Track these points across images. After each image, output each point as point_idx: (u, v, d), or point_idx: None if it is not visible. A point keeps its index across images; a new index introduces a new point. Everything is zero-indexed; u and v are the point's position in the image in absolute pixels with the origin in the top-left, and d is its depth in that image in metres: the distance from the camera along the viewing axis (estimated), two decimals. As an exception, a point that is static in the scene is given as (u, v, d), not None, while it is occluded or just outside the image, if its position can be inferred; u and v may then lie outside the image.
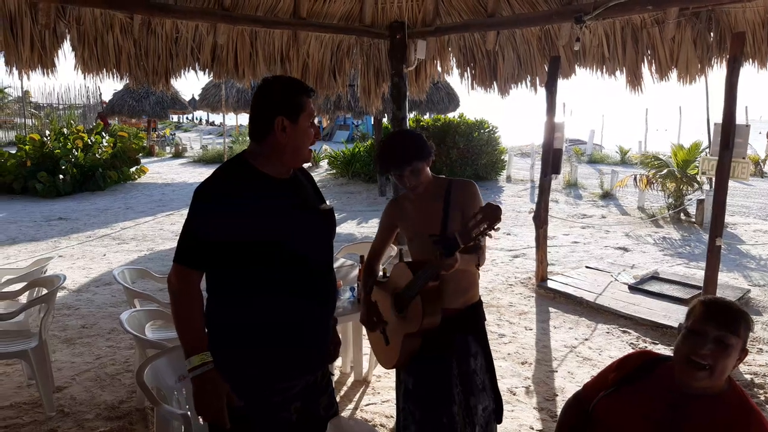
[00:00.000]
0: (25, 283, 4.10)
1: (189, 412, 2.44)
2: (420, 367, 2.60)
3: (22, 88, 20.73)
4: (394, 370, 2.82)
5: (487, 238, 2.25)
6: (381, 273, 2.87)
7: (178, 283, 1.94)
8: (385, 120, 13.74)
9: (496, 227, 2.10)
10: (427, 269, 2.33)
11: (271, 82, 2.01)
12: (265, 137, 1.96)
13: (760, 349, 4.78)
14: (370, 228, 10.03)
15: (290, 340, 2.01)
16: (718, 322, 1.69)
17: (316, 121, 2.10)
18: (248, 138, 2.06)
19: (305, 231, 2.01)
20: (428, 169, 2.56)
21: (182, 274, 1.93)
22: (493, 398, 2.63)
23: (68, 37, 5.23)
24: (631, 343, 4.94)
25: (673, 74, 5.41)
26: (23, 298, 4.17)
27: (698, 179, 10.36)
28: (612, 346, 4.87)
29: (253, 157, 1.99)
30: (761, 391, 4.06)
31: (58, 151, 13.49)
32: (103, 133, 15.35)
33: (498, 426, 2.70)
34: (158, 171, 17.79)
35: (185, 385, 2.59)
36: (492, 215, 2.09)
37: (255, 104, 1.99)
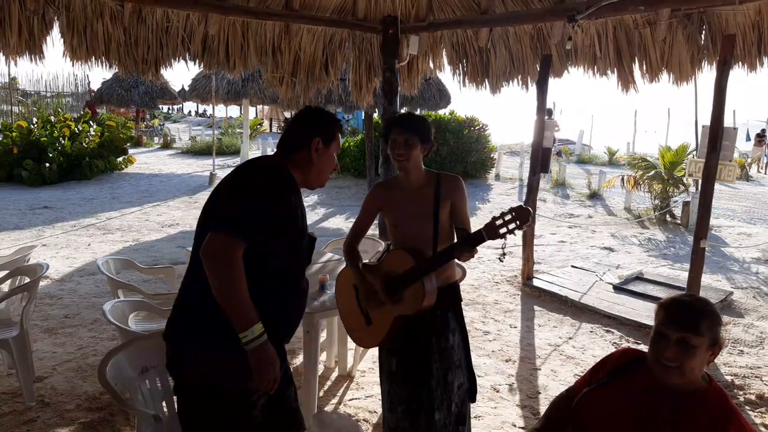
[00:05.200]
0: (7, 272, 4.05)
1: (161, 406, 2.42)
2: (402, 347, 2.71)
3: (9, 74, 20.48)
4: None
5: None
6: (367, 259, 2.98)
7: (231, 253, 1.89)
8: (375, 115, 13.69)
9: (524, 227, 2.33)
10: (439, 257, 2.52)
11: (317, 109, 2.30)
12: (297, 151, 2.18)
13: (741, 350, 4.82)
14: (359, 223, 10.00)
15: (273, 339, 2.02)
16: (678, 324, 1.72)
17: None
18: (276, 147, 2.26)
19: (305, 242, 2.19)
20: (420, 158, 2.72)
21: (235, 245, 1.89)
22: (467, 377, 2.73)
23: (57, 24, 5.17)
24: (615, 343, 4.97)
25: (664, 75, 5.44)
26: (5, 287, 4.12)
27: (685, 181, 10.45)
28: (595, 345, 4.90)
29: (290, 167, 2.16)
30: (741, 392, 4.10)
31: (45, 139, 13.33)
32: (91, 122, 15.19)
33: (480, 414, 2.78)
34: (146, 161, 17.65)
35: (149, 376, 2.57)
36: (523, 216, 2.31)
37: (298, 120, 2.25)
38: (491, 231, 2.36)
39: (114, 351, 2.57)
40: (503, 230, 2.34)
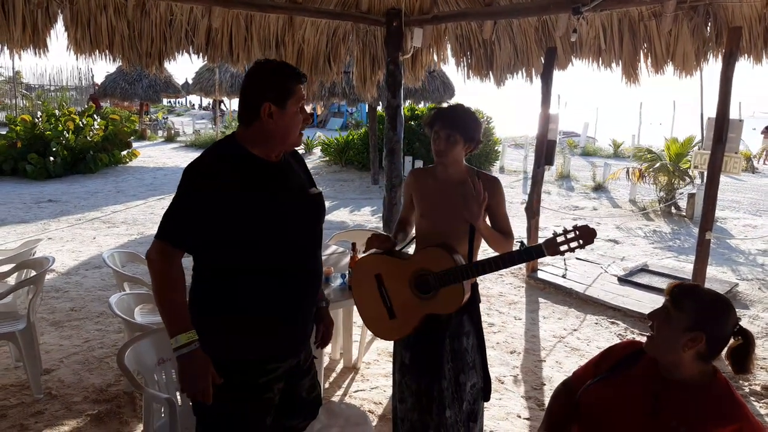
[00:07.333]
0: (14, 265, 4.07)
1: (175, 395, 2.44)
2: (416, 342, 2.66)
3: (13, 68, 20.52)
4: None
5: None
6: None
7: (161, 261, 1.91)
8: (379, 108, 13.67)
9: (586, 246, 2.29)
10: (488, 266, 2.42)
11: (260, 66, 1.99)
12: (251, 122, 1.96)
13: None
14: (363, 216, 10.02)
15: (276, 323, 2.02)
16: (668, 293, 1.83)
17: (309, 107, 2.08)
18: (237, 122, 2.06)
19: (292, 214, 2.02)
20: (462, 155, 2.66)
21: (165, 252, 1.91)
22: (482, 377, 2.70)
23: (61, 17, 5.16)
24: (619, 334, 4.97)
25: (669, 68, 5.41)
26: (11, 280, 4.14)
27: (690, 173, 10.41)
28: (600, 337, 4.91)
29: (244, 139, 1.99)
30: (746, 383, 4.10)
31: (49, 132, 13.35)
32: (95, 116, 15.20)
33: (485, 404, 2.78)
34: (150, 155, 17.68)
35: (165, 368, 2.59)
36: (588, 236, 2.28)
37: (243, 89, 1.98)
38: (551, 247, 2.32)
39: (136, 338, 2.60)
40: (564, 248, 2.30)
